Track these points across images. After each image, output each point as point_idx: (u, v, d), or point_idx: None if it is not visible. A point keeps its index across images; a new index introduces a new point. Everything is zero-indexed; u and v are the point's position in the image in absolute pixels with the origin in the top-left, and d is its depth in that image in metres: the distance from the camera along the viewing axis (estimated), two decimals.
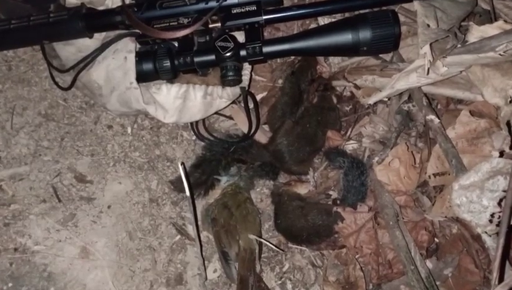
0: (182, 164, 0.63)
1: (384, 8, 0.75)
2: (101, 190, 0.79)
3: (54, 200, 0.78)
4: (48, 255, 0.74)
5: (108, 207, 0.78)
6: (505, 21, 0.70)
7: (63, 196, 0.78)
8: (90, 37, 0.81)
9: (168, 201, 0.81)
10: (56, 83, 0.82)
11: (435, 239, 0.73)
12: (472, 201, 0.55)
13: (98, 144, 0.83)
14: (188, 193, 0.62)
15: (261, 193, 0.84)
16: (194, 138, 0.86)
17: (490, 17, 0.73)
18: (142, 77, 0.76)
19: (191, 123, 0.85)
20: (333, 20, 0.78)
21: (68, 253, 0.74)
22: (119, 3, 0.79)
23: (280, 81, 0.89)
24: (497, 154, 0.55)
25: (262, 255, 0.78)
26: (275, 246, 0.77)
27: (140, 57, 0.76)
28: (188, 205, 0.66)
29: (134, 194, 0.80)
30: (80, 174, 0.80)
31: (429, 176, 0.72)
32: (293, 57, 0.88)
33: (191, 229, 0.79)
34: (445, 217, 0.70)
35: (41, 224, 0.76)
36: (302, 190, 0.81)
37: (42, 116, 0.84)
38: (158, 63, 0.75)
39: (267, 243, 0.77)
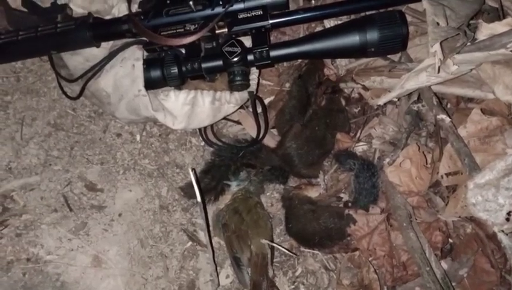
0: (193, 170, 0.63)
1: (391, 8, 0.74)
2: (112, 198, 0.79)
3: (65, 210, 0.78)
4: (61, 264, 0.74)
5: (119, 215, 0.78)
6: None
7: (74, 205, 0.79)
8: (98, 46, 0.81)
9: (179, 207, 0.81)
10: (64, 93, 0.82)
11: (449, 239, 0.72)
12: (488, 200, 0.55)
13: (108, 152, 0.83)
14: (199, 199, 0.62)
15: (271, 197, 0.84)
16: (202, 143, 0.86)
17: (498, 14, 0.72)
18: (150, 84, 0.76)
19: (200, 129, 0.85)
20: (339, 22, 0.78)
21: (80, 262, 0.74)
22: (126, 12, 0.79)
23: (287, 84, 0.89)
24: (511, 151, 0.55)
25: (275, 260, 0.78)
26: (287, 250, 0.77)
27: (148, 65, 0.76)
28: (199, 211, 0.66)
29: (145, 202, 0.80)
30: (90, 183, 0.80)
31: (441, 176, 0.71)
32: (300, 61, 0.87)
33: (202, 236, 0.79)
34: (459, 217, 0.69)
35: (53, 233, 0.76)
36: (312, 193, 0.81)
37: (51, 126, 0.85)
38: (166, 70, 0.75)
39: (279, 248, 0.77)
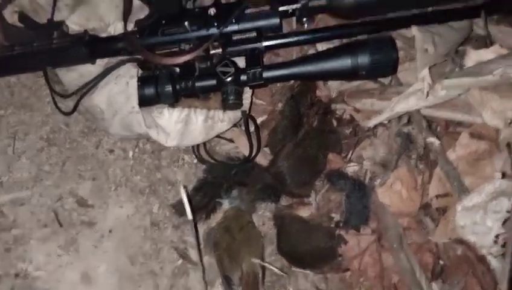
0: (184, 187, 0.63)
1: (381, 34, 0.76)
2: (103, 214, 0.79)
3: (55, 225, 0.77)
4: (49, 280, 0.73)
5: (110, 231, 0.78)
6: (501, 45, 0.71)
7: (64, 220, 0.78)
8: (93, 63, 0.82)
9: (170, 225, 0.81)
10: (58, 108, 0.83)
11: (440, 261, 0.73)
12: (476, 222, 0.55)
13: (100, 168, 0.83)
14: (190, 216, 0.62)
15: (263, 216, 0.84)
16: (195, 161, 0.86)
17: (486, 42, 0.74)
18: (144, 102, 0.77)
19: (192, 146, 0.85)
20: (331, 45, 0.80)
21: (69, 278, 0.74)
22: (122, 31, 0.80)
23: (280, 104, 0.90)
24: (499, 175, 0.56)
25: (266, 279, 0.78)
26: (279, 270, 0.77)
27: (142, 82, 0.77)
28: (190, 228, 0.66)
29: (136, 218, 0.80)
30: (81, 199, 0.80)
31: (431, 198, 0.72)
32: (292, 81, 0.89)
33: (193, 254, 0.79)
34: (450, 238, 0.69)
35: (43, 249, 0.75)
36: (304, 212, 0.81)
37: (44, 141, 0.85)
38: (160, 88, 0.76)
39: (270, 267, 0.76)
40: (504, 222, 0.55)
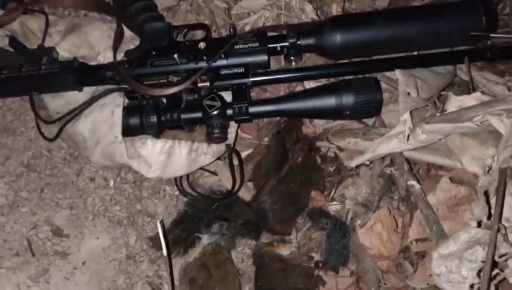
0: (161, 222, 0.62)
1: (367, 75, 0.78)
2: (77, 244, 0.77)
3: (28, 254, 0.75)
4: None
5: (83, 263, 0.75)
6: (482, 92, 0.73)
7: (38, 249, 0.76)
8: (80, 90, 0.82)
9: (146, 258, 0.79)
10: (42, 134, 0.82)
11: None
12: (451, 271, 0.55)
13: (79, 197, 0.82)
14: (165, 252, 0.61)
15: (242, 253, 0.82)
16: (177, 193, 0.85)
17: (469, 88, 0.76)
18: (128, 132, 0.77)
19: (175, 178, 0.84)
20: (318, 84, 0.81)
21: None
22: (111, 59, 0.81)
23: (266, 139, 0.90)
24: (475, 224, 0.56)
25: None
26: None
27: (127, 112, 0.77)
28: (165, 264, 0.64)
29: (111, 250, 0.77)
30: (56, 228, 0.78)
31: (411, 242, 0.72)
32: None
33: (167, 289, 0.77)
34: (428, 284, 0.68)
35: (12, 279, 0.73)
36: (284, 251, 0.80)
37: (24, 167, 0.84)
38: (145, 118, 0.76)
39: None
40: (479, 272, 0.54)
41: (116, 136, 0.75)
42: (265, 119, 0.92)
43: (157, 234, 0.79)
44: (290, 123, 0.88)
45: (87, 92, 0.83)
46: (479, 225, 0.56)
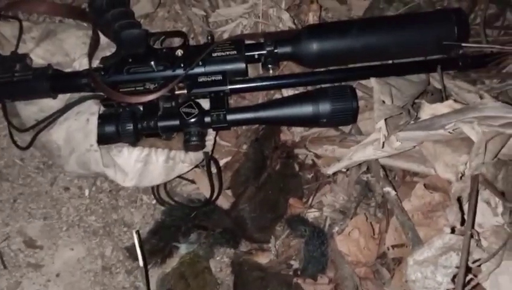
0: (137, 231, 0.61)
1: (343, 83, 0.79)
2: (51, 256, 0.75)
3: None
4: None
5: (57, 275, 0.74)
6: (455, 100, 0.74)
7: (10, 262, 0.74)
8: (54, 97, 0.81)
9: (122, 269, 0.77)
10: (14, 142, 0.80)
11: None
12: (427, 277, 0.55)
13: (53, 207, 0.80)
14: (141, 263, 0.60)
15: (220, 262, 0.82)
16: (154, 201, 0.84)
17: (442, 96, 0.77)
18: (104, 140, 0.76)
19: (152, 187, 0.83)
20: (296, 92, 0.81)
21: None
22: (87, 66, 0.80)
23: (245, 146, 0.90)
24: (448, 230, 0.57)
25: None
26: None
27: (102, 120, 0.76)
28: (141, 276, 0.63)
29: (87, 261, 0.76)
30: (29, 239, 0.76)
31: (388, 248, 0.72)
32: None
33: None
34: None
35: None
36: (263, 259, 0.80)
37: None
38: (121, 126, 0.75)
39: None
40: (454, 277, 0.55)
41: (92, 144, 0.74)
42: (243, 127, 0.92)
43: (134, 244, 0.78)
44: (268, 131, 0.88)
45: (62, 99, 0.81)
46: (453, 231, 0.57)
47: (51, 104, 0.80)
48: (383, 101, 0.70)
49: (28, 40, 0.88)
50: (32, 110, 0.81)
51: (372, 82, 0.73)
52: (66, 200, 0.81)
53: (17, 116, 0.82)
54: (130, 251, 0.78)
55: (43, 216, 0.78)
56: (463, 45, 0.78)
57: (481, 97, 0.74)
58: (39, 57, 0.85)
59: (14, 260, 0.74)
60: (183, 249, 0.79)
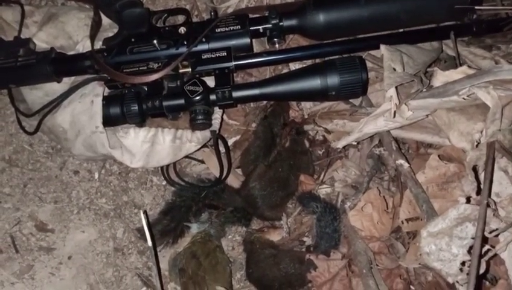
0: (144, 212, 0.61)
1: (352, 54, 0.76)
2: (62, 239, 0.75)
3: (11, 251, 0.74)
4: None
5: (69, 258, 0.74)
6: (469, 66, 0.71)
7: (21, 245, 0.74)
8: (59, 81, 0.80)
9: (135, 250, 0.77)
10: (22, 128, 0.80)
11: (411, 287, 0.71)
12: (441, 249, 0.53)
13: (63, 191, 0.80)
14: (149, 243, 0.59)
15: (232, 241, 0.81)
16: (164, 183, 0.84)
17: (455, 63, 0.74)
18: (109, 121, 0.75)
19: (161, 168, 0.83)
20: (303, 66, 0.79)
21: None
22: (90, 48, 0.78)
23: (253, 125, 0.88)
24: (464, 200, 0.54)
25: None
26: None
27: (107, 101, 0.75)
28: (150, 256, 0.63)
29: (98, 244, 0.76)
30: (40, 223, 0.76)
31: (402, 222, 0.70)
32: (265, 101, 0.88)
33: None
34: (420, 264, 0.67)
35: None
36: (275, 236, 0.79)
37: (6, 162, 0.81)
38: (126, 107, 0.74)
39: None
40: (470, 249, 0.53)
41: (97, 126, 0.73)
42: (252, 105, 0.90)
43: None
44: (277, 107, 0.86)
45: (67, 83, 0.80)
46: (468, 200, 0.55)
47: (55, 88, 0.80)
48: (394, 69, 0.67)
49: (31, 24, 0.87)
50: (37, 94, 0.81)
51: (382, 49, 0.71)
52: (76, 183, 0.81)
53: (23, 102, 0.82)
54: (142, 232, 0.78)
55: (53, 200, 0.79)
56: (476, 8, 0.74)
57: (497, 63, 0.70)
58: (42, 41, 0.84)
59: (25, 244, 0.74)
60: (194, 228, 0.78)
